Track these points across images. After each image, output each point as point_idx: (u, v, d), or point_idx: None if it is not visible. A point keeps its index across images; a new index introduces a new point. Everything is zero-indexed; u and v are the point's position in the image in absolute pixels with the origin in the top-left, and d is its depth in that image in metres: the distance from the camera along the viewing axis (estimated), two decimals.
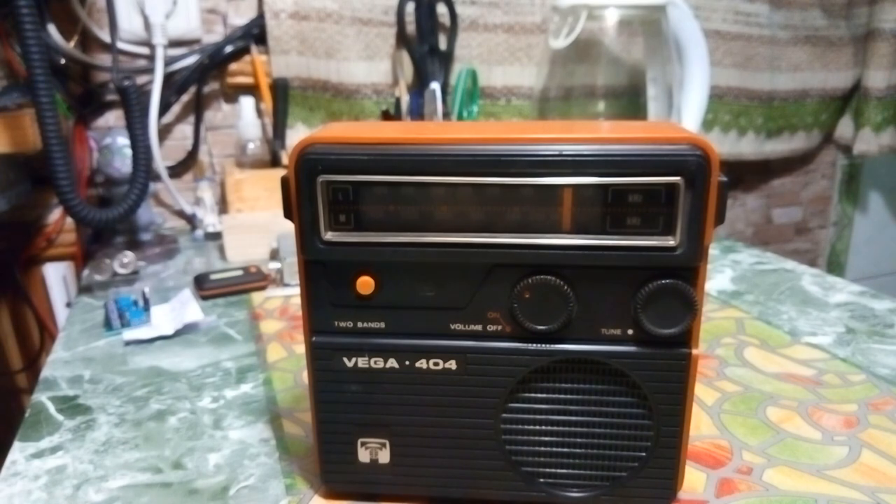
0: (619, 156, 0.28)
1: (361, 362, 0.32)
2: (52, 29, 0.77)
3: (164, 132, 0.88)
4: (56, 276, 0.81)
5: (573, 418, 0.32)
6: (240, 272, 0.66)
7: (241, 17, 0.87)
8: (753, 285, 0.66)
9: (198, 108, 0.88)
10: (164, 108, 0.85)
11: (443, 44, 0.90)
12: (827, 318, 0.58)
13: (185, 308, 0.58)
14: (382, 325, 0.32)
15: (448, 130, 0.31)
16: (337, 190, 0.29)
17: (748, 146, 1.12)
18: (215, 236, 0.82)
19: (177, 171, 0.90)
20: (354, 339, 0.32)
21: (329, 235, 0.30)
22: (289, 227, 0.31)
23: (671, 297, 0.29)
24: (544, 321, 0.30)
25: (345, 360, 0.32)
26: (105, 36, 0.81)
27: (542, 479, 0.33)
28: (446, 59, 0.90)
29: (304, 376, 0.48)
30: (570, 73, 0.84)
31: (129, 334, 0.54)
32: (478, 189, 0.29)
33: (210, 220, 0.83)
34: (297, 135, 0.88)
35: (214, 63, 0.86)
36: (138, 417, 0.43)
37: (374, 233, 0.30)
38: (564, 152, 0.28)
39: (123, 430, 0.42)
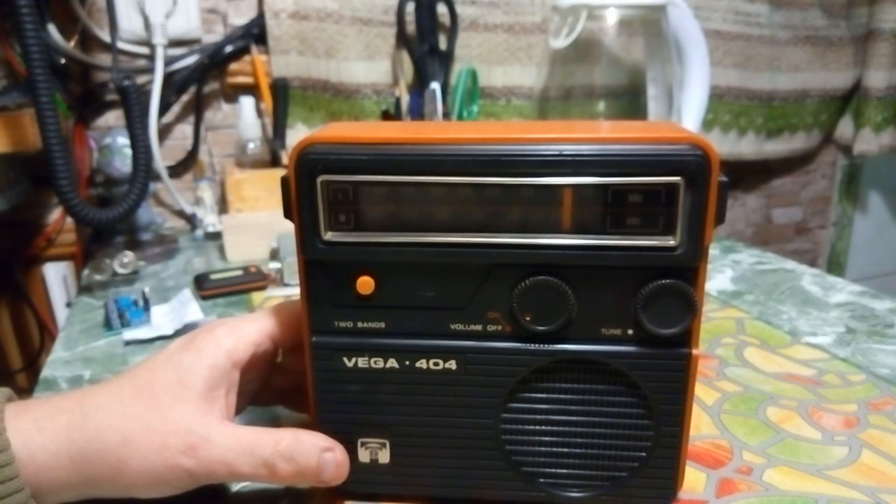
0: (619, 156, 0.28)
1: (361, 362, 0.32)
2: (52, 29, 0.77)
3: (164, 132, 0.88)
4: (56, 276, 0.81)
5: (573, 418, 0.32)
6: (240, 272, 0.66)
7: (241, 16, 0.87)
8: (753, 285, 0.66)
9: (198, 107, 0.88)
10: (164, 107, 0.85)
11: (443, 44, 0.90)
12: (827, 318, 0.58)
13: (185, 308, 0.58)
14: (382, 325, 0.32)
15: (448, 130, 0.31)
16: (337, 190, 0.29)
17: (748, 146, 1.12)
18: (215, 236, 0.82)
19: (177, 170, 0.90)
20: (354, 339, 0.32)
21: (329, 235, 0.30)
22: (289, 227, 0.31)
23: (671, 297, 0.29)
24: (544, 321, 0.30)
25: (345, 360, 0.32)
26: (105, 36, 0.81)
27: (542, 479, 0.33)
28: (446, 59, 0.90)
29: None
30: (570, 73, 0.84)
31: (129, 334, 0.54)
32: (478, 189, 0.29)
33: (210, 219, 0.83)
34: (297, 135, 0.88)
35: (214, 63, 0.86)
36: None
37: (374, 233, 0.30)
38: (564, 152, 0.28)
39: None
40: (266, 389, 0.37)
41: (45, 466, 0.28)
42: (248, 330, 0.32)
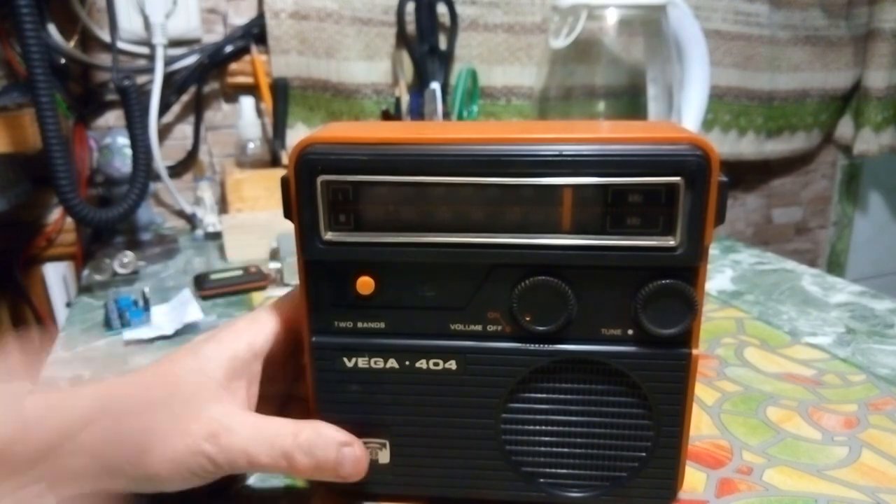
0: (619, 156, 0.28)
1: (361, 362, 0.32)
2: (52, 29, 0.77)
3: (164, 132, 0.88)
4: (56, 276, 0.81)
5: (573, 418, 0.32)
6: (240, 272, 0.66)
7: (241, 16, 0.87)
8: (753, 285, 0.66)
9: (198, 107, 0.88)
10: (164, 107, 0.85)
11: (443, 44, 0.90)
12: (827, 319, 0.58)
13: (185, 308, 0.58)
14: (382, 325, 0.32)
15: (448, 130, 0.31)
16: (337, 190, 0.29)
17: (748, 146, 1.12)
18: (215, 236, 0.82)
19: (177, 170, 0.90)
20: (354, 340, 0.32)
21: (329, 235, 0.30)
22: (289, 227, 0.31)
23: (671, 297, 0.29)
24: (544, 321, 0.30)
25: (345, 360, 0.32)
26: (105, 36, 0.81)
27: (542, 479, 0.33)
28: (446, 58, 0.90)
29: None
30: (570, 73, 0.84)
31: (130, 334, 0.54)
32: (478, 189, 0.29)
33: (210, 219, 0.83)
34: (297, 135, 0.88)
35: (214, 63, 0.86)
36: None
37: (374, 233, 0.30)
38: (564, 152, 0.28)
39: None
40: (293, 398, 0.37)
41: (65, 453, 0.28)
42: (267, 320, 0.33)
